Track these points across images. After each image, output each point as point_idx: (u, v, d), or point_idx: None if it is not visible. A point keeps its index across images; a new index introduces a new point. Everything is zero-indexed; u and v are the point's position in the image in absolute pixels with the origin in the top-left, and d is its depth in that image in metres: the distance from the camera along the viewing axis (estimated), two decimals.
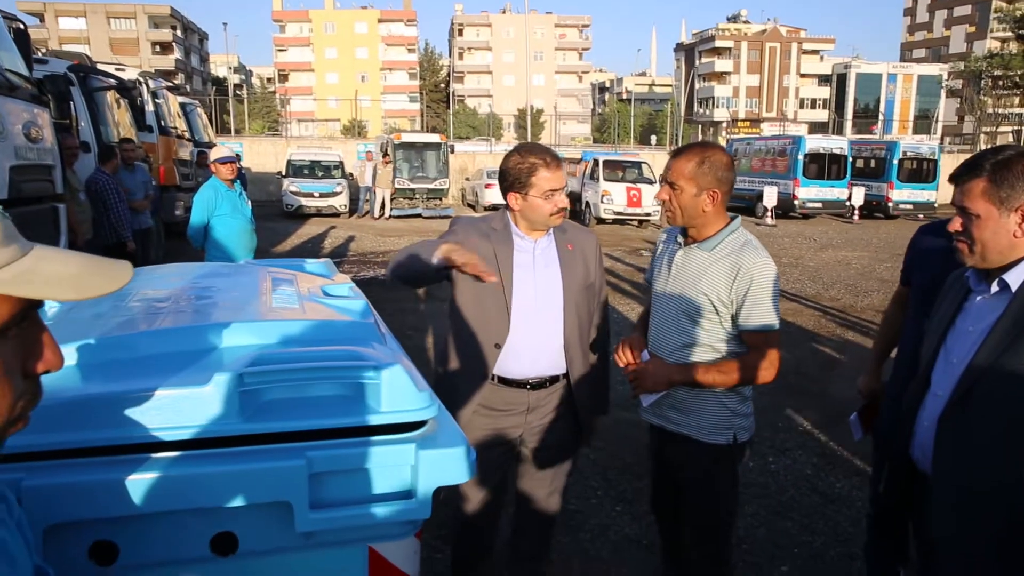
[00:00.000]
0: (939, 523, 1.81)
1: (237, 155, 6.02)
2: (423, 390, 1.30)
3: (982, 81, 40.97)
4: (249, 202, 5.92)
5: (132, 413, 1.21)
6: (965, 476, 1.74)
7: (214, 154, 5.71)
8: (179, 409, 1.21)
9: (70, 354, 1.38)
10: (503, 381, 2.36)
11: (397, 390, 1.26)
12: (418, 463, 1.25)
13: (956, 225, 1.79)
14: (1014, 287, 1.71)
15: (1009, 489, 1.66)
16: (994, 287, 1.75)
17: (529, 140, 38.47)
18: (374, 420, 1.26)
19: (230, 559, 1.26)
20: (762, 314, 2.17)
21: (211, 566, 1.26)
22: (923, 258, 3.00)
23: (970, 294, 1.85)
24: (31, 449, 1.17)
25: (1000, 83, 39.22)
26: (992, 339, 1.70)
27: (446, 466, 1.26)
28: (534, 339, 2.34)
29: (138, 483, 1.17)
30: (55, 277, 0.72)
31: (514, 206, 2.34)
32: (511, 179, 2.31)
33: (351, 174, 21.53)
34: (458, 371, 2.38)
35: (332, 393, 1.29)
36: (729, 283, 2.18)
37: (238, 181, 5.83)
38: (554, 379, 2.40)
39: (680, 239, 2.34)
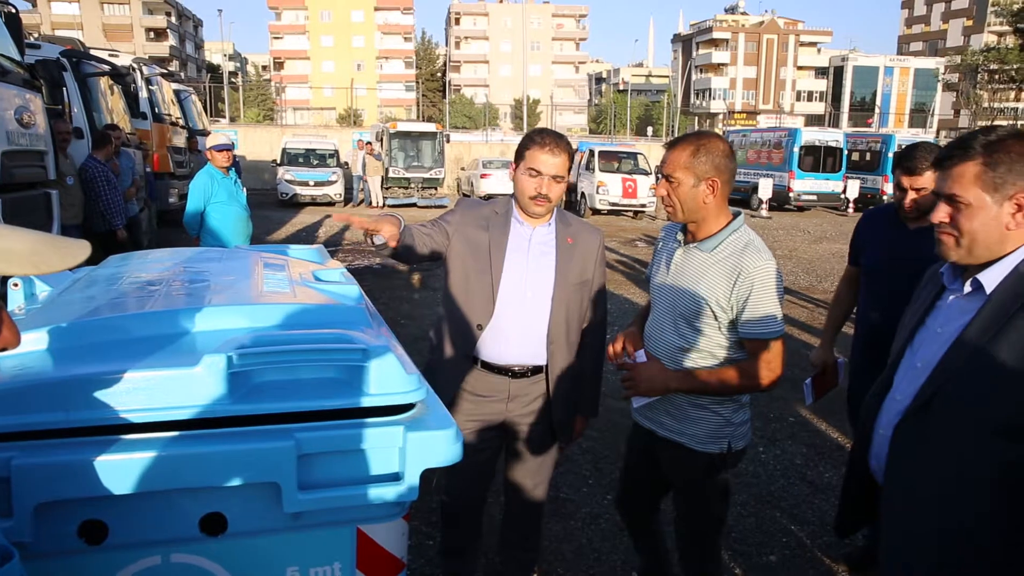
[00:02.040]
0: (886, 534, 1.68)
1: (232, 143, 6.01)
2: (411, 373, 1.31)
3: (978, 75, 41.01)
4: (244, 189, 5.91)
5: (122, 394, 1.21)
6: (916, 488, 1.59)
7: (210, 141, 5.69)
8: (169, 390, 1.22)
9: (62, 335, 1.39)
10: (486, 366, 2.38)
11: (386, 373, 1.27)
12: (406, 445, 1.26)
13: (941, 215, 1.57)
14: (988, 288, 1.52)
15: (957, 508, 1.51)
16: (967, 287, 1.57)
17: (525, 131, 38.34)
18: (363, 403, 1.27)
19: (219, 539, 1.27)
20: (763, 321, 2.06)
21: (200, 546, 1.27)
22: (868, 242, 3.07)
23: (944, 292, 1.66)
24: (21, 429, 1.17)
25: (996, 77, 39.23)
26: (959, 343, 1.52)
27: (434, 448, 1.27)
28: (518, 325, 2.36)
29: (127, 463, 1.18)
30: (8, 252, 0.72)
31: (511, 179, 2.39)
32: (515, 152, 2.38)
33: (346, 163, 21.49)
34: (445, 352, 2.41)
35: (321, 376, 1.29)
36: (729, 287, 2.06)
37: (233, 169, 5.81)
38: (536, 369, 2.41)
39: (680, 236, 2.23)
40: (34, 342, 1.36)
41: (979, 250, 1.53)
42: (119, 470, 1.17)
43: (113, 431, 1.22)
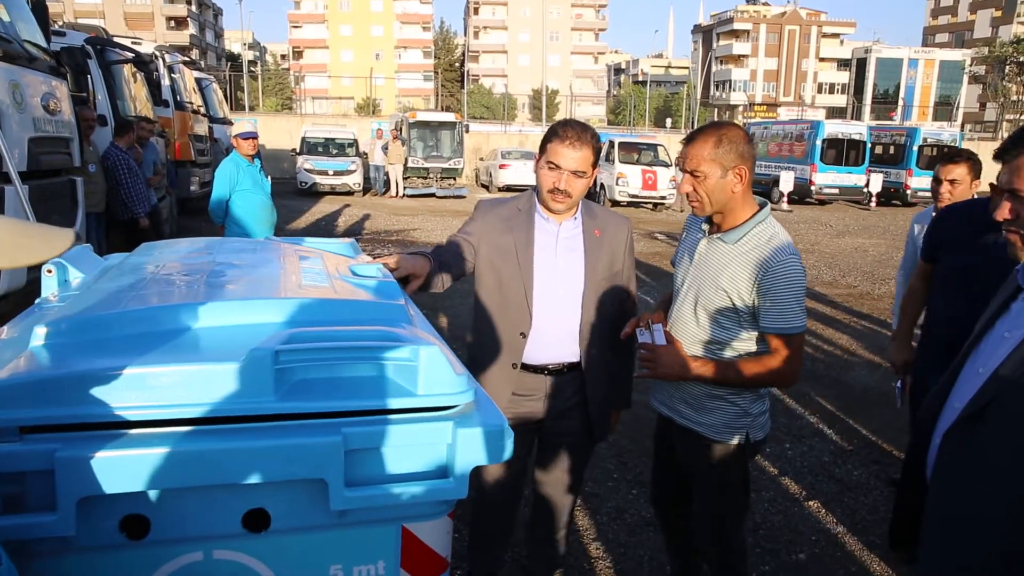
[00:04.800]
0: (924, 548, 1.58)
1: (256, 131, 6.00)
2: (460, 374, 1.27)
3: (1007, 67, 40.22)
4: (269, 177, 5.91)
5: (164, 388, 1.19)
6: (959, 503, 1.48)
7: (236, 129, 5.69)
8: (212, 385, 1.19)
9: (100, 325, 1.36)
10: (524, 367, 2.34)
11: (435, 373, 1.24)
12: (455, 441, 1.22)
13: (1005, 212, 1.46)
14: None
15: (1000, 529, 1.39)
16: None
17: (543, 121, 38.20)
18: (411, 403, 1.24)
19: (262, 536, 1.24)
20: (786, 315, 2.02)
21: (243, 542, 1.24)
22: (947, 240, 2.96)
23: (1020, 293, 1.52)
24: (63, 421, 1.15)
25: None
26: (1021, 350, 1.40)
27: (483, 445, 1.23)
28: (552, 325, 2.31)
29: (170, 457, 1.15)
30: None
31: (534, 170, 2.32)
32: (540, 143, 2.31)
33: (364, 153, 21.50)
34: (486, 359, 2.36)
35: (368, 374, 1.25)
36: (752, 281, 2.04)
37: (257, 157, 5.81)
38: (573, 366, 2.37)
39: (704, 226, 2.20)
40: (72, 332, 1.34)
41: None
42: (161, 465, 1.14)
43: (154, 425, 1.19)
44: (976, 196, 3.48)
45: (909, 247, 3.83)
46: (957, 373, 1.61)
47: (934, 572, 1.57)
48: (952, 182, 3.43)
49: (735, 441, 2.18)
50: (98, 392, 1.16)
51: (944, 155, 3.60)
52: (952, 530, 1.50)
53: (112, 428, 1.17)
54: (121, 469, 1.13)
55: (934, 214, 3.52)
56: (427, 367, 1.23)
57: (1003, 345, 1.46)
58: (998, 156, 1.52)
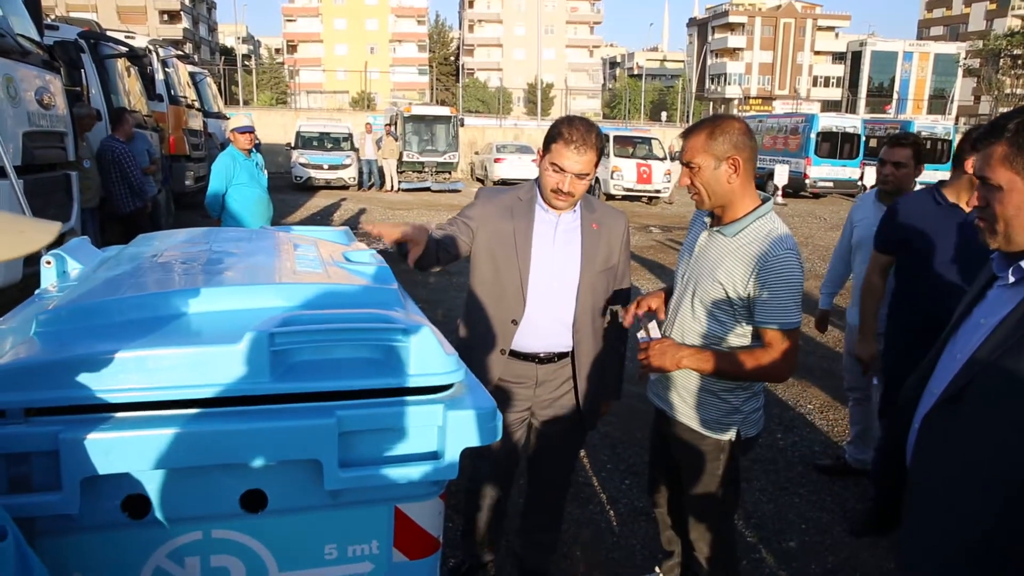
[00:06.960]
0: (906, 530, 1.61)
1: (253, 125, 6.00)
2: (450, 354, 1.31)
3: (1001, 60, 40.25)
4: (265, 172, 5.92)
5: (163, 371, 1.22)
6: (940, 485, 1.51)
7: (233, 123, 5.69)
8: (210, 367, 1.23)
9: (100, 312, 1.40)
10: (514, 354, 2.38)
11: (425, 354, 1.27)
12: (446, 424, 1.26)
13: (976, 199, 1.49)
14: None
15: (980, 510, 1.41)
16: (1010, 276, 1.45)
17: (539, 115, 38.17)
18: (403, 383, 1.27)
19: (259, 516, 1.28)
20: (780, 312, 2.02)
21: (240, 522, 1.28)
22: (914, 228, 3.01)
23: (995, 280, 1.54)
24: (66, 403, 1.19)
25: (1020, 62, 38.51)
26: (996, 335, 1.42)
27: (473, 427, 1.27)
28: (545, 314, 2.35)
29: (170, 439, 1.19)
30: None
31: (538, 165, 2.35)
32: (544, 139, 2.32)
33: (356, 148, 21.47)
34: (476, 345, 2.39)
35: (361, 355, 1.29)
36: (747, 275, 2.03)
37: (255, 151, 5.82)
38: (563, 355, 2.40)
39: (707, 219, 2.21)
40: (73, 318, 1.37)
41: (1019, 236, 1.41)
42: (161, 446, 1.18)
43: (155, 407, 1.23)
44: (918, 183, 3.58)
45: (846, 230, 3.91)
46: (935, 361, 1.63)
47: (916, 554, 1.60)
48: (897, 165, 3.51)
49: (726, 436, 2.20)
50: (99, 375, 1.19)
51: (891, 138, 3.69)
52: (932, 512, 1.53)
53: (113, 410, 1.21)
54: (122, 450, 1.17)
55: (876, 200, 3.64)
56: (418, 348, 1.27)
57: (979, 331, 1.49)
58: (974, 145, 1.56)
